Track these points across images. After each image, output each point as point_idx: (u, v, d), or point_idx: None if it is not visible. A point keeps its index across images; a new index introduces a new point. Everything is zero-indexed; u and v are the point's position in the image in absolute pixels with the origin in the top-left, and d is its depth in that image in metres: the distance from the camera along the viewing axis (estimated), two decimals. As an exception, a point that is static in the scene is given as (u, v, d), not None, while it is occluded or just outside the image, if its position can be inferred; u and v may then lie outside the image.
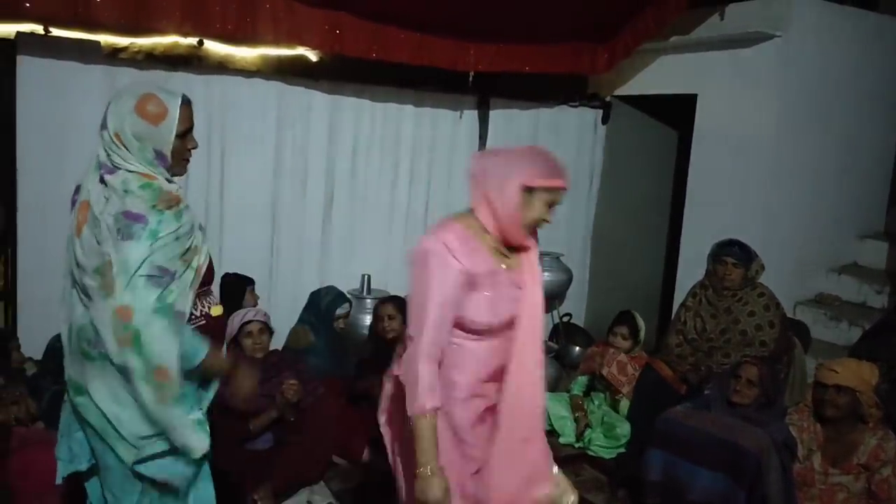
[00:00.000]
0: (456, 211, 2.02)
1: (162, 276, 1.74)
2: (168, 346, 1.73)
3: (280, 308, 4.24)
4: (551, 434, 3.76)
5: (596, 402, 3.96)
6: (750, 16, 4.49)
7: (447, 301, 1.81)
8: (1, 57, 3.47)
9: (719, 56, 4.66)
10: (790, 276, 4.62)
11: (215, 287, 2.06)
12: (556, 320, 5.10)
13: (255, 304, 3.80)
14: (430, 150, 4.84)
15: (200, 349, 1.83)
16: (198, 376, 1.88)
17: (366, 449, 3.36)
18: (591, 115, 5.38)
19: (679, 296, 4.58)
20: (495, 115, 4.97)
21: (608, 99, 5.40)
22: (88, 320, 1.80)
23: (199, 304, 1.91)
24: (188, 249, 1.82)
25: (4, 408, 2.89)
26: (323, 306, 4.08)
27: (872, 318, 4.37)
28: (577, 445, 3.82)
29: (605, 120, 5.42)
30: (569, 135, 5.28)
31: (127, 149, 1.79)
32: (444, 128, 4.86)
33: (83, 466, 1.96)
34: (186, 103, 1.85)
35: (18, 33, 3.50)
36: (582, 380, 4.07)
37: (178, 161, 1.87)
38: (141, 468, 1.84)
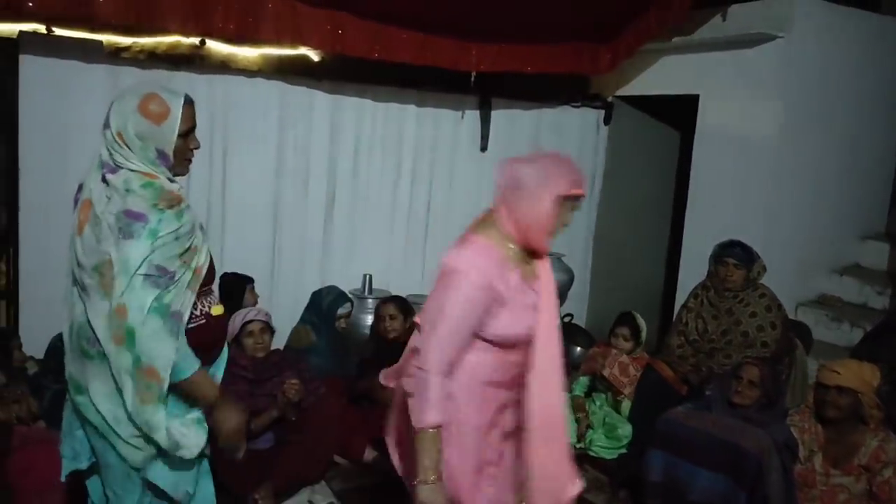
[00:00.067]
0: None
1: (161, 276, 1.74)
2: (161, 346, 1.73)
3: (281, 307, 4.24)
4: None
5: (597, 403, 3.96)
6: (752, 17, 4.49)
7: (467, 323, 1.83)
8: (3, 56, 3.48)
9: (722, 57, 4.65)
10: (792, 277, 4.62)
11: (215, 286, 2.06)
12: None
13: (255, 303, 3.80)
14: (432, 150, 4.84)
15: (190, 365, 1.80)
16: (180, 394, 1.83)
17: (367, 448, 3.37)
18: (593, 116, 5.38)
19: (680, 296, 4.58)
20: (497, 116, 4.97)
21: (610, 99, 5.40)
22: (87, 318, 1.80)
23: (199, 303, 1.91)
24: (187, 250, 1.82)
25: (6, 406, 2.90)
26: (324, 306, 4.08)
27: (874, 320, 4.37)
28: (578, 446, 3.81)
29: (607, 120, 5.42)
30: (571, 135, 5.28)
31: (129, 148, 1.79)
32: (446, 128, 4.87)
33: (83, 465, 1.97)
34: (189, 103, 1.85)
35: (21, 32, 3.50)
36: (583, 380, 4.07)
37: (180, 161, 1.87)
38: (149, 475, 1.85)
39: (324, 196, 4.49)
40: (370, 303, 4.34)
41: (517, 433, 2.01)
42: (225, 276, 3.81)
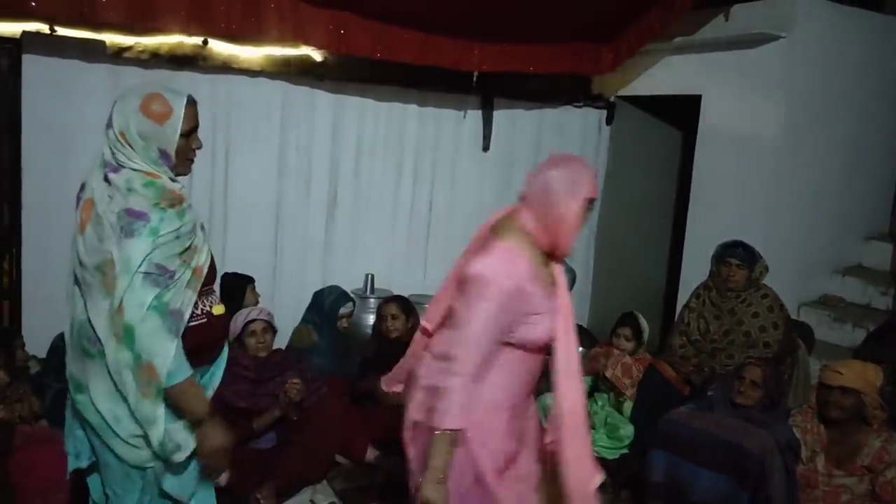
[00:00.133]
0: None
1: (161, 275, 1.74)
2: (159, 344, 1.73)
3: (283, 307, 4.24)
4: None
5: (599, 403, 3.95)
6: (755, 16, 4.48)
7: (496, 329, 1.87)
8: (6, 56, 3.49)
9: (724, 57, 4.65)
10: (794, 278, 4.61)
11: (216, 286, 2.06)
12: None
13: (256, 303, 3.80)
14: (434, 149, 4.84)
15: (182, 371, 1.77)
16: (168, 404, 1.78)
17: (368, 448, 3.37)
18: (595, 116, 5.38)
19: (682, 297, 4.57)
20: (499, 116, 4.97)
21: (612, 99, 5.39)
22: (88, 317, 1.80)
23: (200, 302, 1.91)
24: (187, 249, 1.82)
25: (9, 406, 2.91)
26: (326, 306, 4.08)
27: (877, 320, 4.36)
28: (580, 446, 3.81)
29: (609, 120, 5.42)
30: (573, 135, 5.28)
31: (132, 147, 1.79)
32: (448, 128, 4.87)
33: (84, 464, 1.97)
34: (192, 103, 1.85)
35: (24, 32, 3.51)
36: (585, 380, 4.06)
37: (182, 160, 1.87)
38: (165, 486, 1.86)
39: (326, 196, 4.49)
40: (372, 302, 4.34)
41: (535, 433, 2.09)
42: (226, 275, 3.81)
